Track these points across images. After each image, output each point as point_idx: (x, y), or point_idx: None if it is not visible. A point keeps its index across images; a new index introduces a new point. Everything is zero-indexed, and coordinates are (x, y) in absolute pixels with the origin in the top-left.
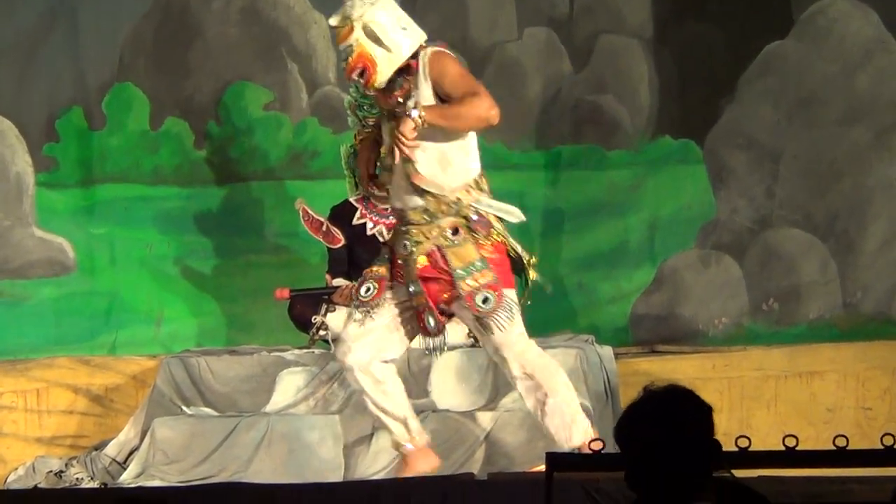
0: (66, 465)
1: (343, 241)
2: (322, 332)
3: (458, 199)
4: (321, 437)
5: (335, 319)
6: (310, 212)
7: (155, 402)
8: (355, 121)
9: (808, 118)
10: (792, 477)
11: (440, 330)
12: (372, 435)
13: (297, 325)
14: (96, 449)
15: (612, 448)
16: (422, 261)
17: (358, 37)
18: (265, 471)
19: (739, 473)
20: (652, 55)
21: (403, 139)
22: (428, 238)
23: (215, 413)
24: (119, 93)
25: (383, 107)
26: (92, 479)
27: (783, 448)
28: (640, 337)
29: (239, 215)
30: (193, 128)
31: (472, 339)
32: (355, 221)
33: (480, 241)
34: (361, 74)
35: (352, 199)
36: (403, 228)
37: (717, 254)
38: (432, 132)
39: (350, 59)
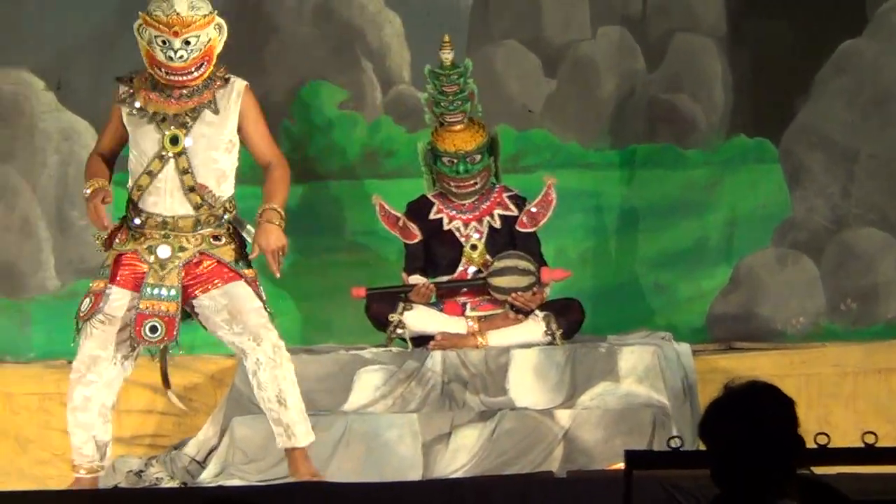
0: (146, 464)
1: (419, 237)
2: (399, 331)
3: (225, 210)
4: (399, 436)
5: (412, 317)
6: (386, 207)
7: (233, 401)
8: (432, 117)
9: (883, 117)
10: (871, 474)
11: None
12: (450, 433)
13: (375, 324)
14: (175, 448)
15: (690, 445)
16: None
17: (210, 32)
18: (344, 470)
19: (818, 470)
20: (726, 53)
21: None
22: (191, 244)
23: None
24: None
25: (167, 110)
26: (171, 478)
27: (862, 445)
28: (717, 336)
29: (315, 214)
30: (269, 126)
31: (548, 337)
32: (432, 216)
33: (238, 247)
34: (198, 68)
35: (428, 195)
36: (163, 233)
37: (794, 253)
38: (217, 148)
39: (196, 48)
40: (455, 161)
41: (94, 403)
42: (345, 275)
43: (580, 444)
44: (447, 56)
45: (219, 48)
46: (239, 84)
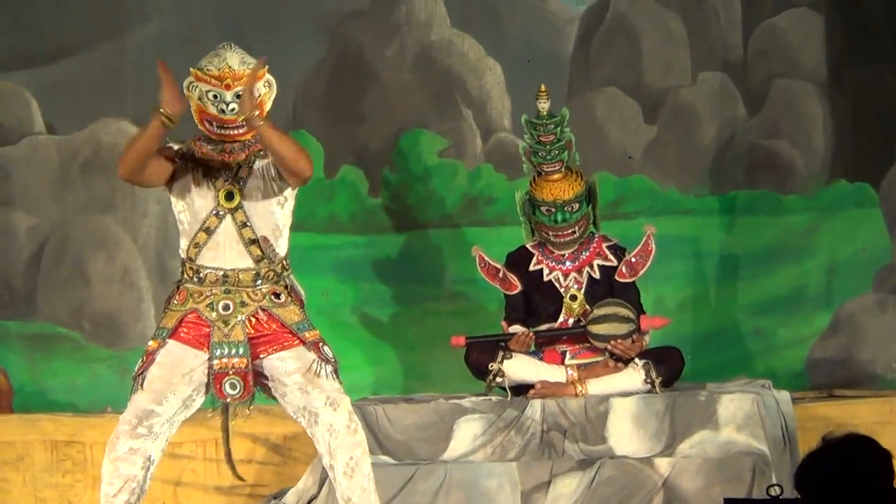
0: None
1: (519, 288)
2: (499, 379)
3: (283, 267)
4: (499, 485)
5: (512, 366)
6: (486, 258)
7: None
8: (530, 166)
9: None
10: None
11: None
12: (550, 482)
13: (474, 373)
14: (275, 497)
15: (790, 493)
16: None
17: (261, 88)
18: None
19: None
20: (826, 98)
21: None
22: (253, 300)
23: (393, 461)
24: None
25: (220, 165)
26: None
27: None
28: (816, 381)
29: (415, 262)
30: (368, 175)
31: (648, 385)
32: (531, 268)
33: (299, 307)
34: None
35: (528, 245)
36: (223, 289)
37: (895, 298)
38: (270, 204)
39: (244, 99)
40: (553, 210)
41: (140, 456)
42: (445, 324)
43: (680, 492)
44: (543, 105)
45: (268, 105)
46: None
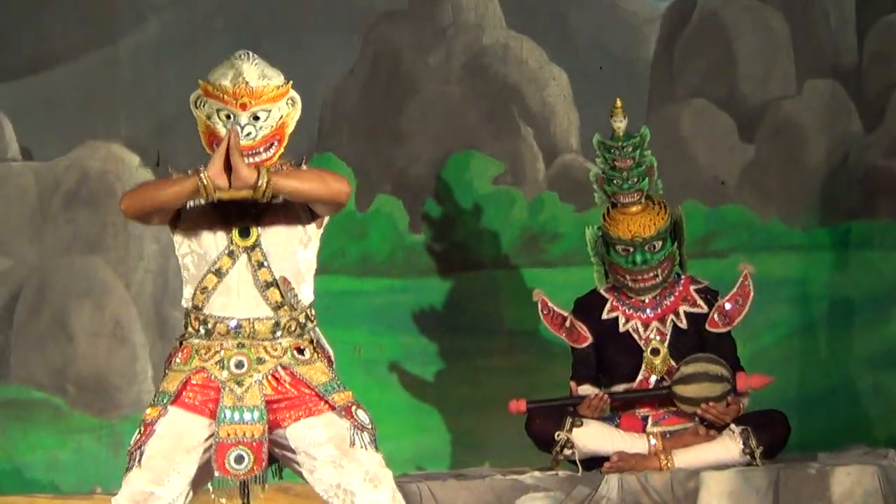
0: None
1: (590, 340)
2: (567, 451)
3: (308, 317)
4: None
5: (583, 435)
6: (550, 305)
7: None
8: (603, 197)
9: None
10: None
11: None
12: None
13: (537, 443)
14: None
15: None
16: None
17: (283, 107)
18: None
19: None
20: None
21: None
22: (272, 356)
23: None
24: (318, 166)
25: (226, 196)
26: None
27: None
28: None
29: (465, 310)
30: (408, 207)
31: (747, 457)
32: (605, 316)
33: (326, 364)
34: (268, 148)
35: (601, 290)
36: (236, 342)
37: None
38: (292, 239)
39: (267, 126)
40: (631, 250)
41: None
42: (501, 384)
43: None
44: (619, 124)
45: (291, 127)
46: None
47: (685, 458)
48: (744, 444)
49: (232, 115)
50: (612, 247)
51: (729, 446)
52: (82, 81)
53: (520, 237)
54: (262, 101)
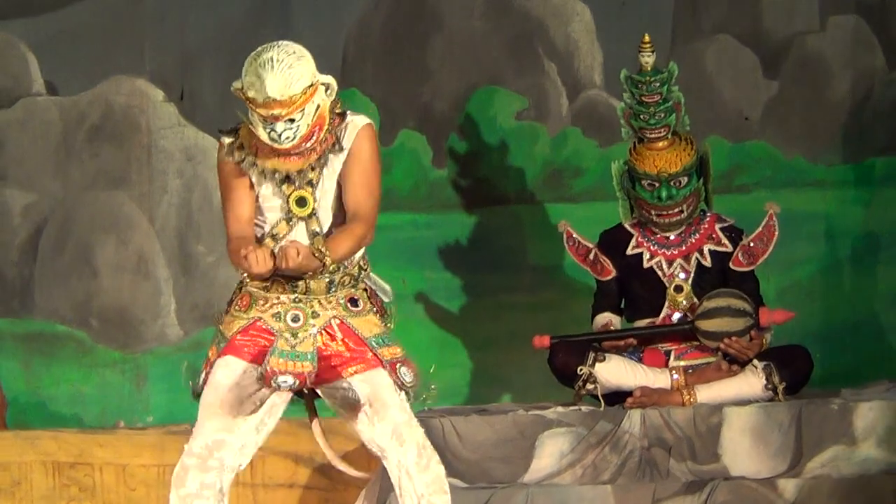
0: None
1: (614, 273)
2: (590, 386)
3: (360, 269)
4: None
5: (606, 370)
6: (575, 236)
7: None
8: (629, 132)
9: None
10: None
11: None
12: None
13: (560, 378)
14: None
15: None
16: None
17: (317, 99)
18: None
19: None
20: None
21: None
22: (326, 309)
23: (463, 484)
24: (343, 102)
25: (288, 167)
26: None
27: None
28: None
29: (489, 246)
30: (432, 142)
31: (769, 392)
32: (629, 251)
33: (378, 315)
34: (311, 137)
35: (626, 225)
36: (292, 297)
37: None
38: (341, 216)
39: (304, 123)
40: (657, 185)
41: (212, 490)
42: (524, 319)
43: None
44: (647, 60)
45: (330, 104)
46: (358, 121)
47: (708, 393)
48: (766, 379)
49: (266, 121)
50: (638, 181)
51: (751, 382)
52: (106, 16)
53: (543, 172)
54: (293, 109)
